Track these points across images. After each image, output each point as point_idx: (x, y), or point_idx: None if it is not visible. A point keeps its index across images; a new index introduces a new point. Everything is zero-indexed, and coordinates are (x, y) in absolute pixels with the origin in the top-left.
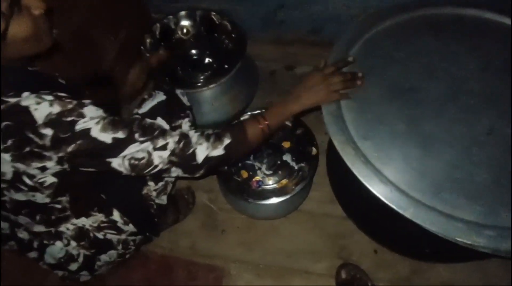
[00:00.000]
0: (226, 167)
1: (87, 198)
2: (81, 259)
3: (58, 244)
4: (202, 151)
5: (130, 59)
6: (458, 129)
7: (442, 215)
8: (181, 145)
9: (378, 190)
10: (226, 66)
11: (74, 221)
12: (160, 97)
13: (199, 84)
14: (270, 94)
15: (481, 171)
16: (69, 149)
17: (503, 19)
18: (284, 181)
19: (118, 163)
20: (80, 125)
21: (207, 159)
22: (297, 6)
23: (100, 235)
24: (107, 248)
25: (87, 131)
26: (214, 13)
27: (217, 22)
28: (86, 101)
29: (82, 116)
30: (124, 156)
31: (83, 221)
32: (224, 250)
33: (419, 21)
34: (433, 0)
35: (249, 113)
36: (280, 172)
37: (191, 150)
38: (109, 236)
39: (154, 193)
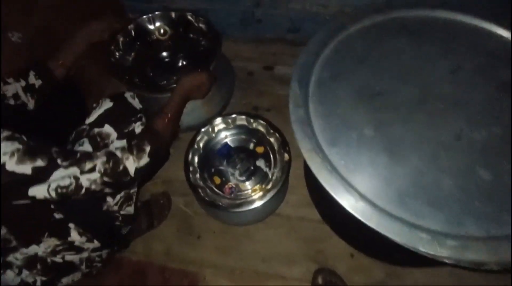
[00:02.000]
0: (197, 175)
1: (34, 225)
2: (39, 284)
3: (9, 273)
4: (131, 164)
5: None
6: (426, 134)
7: (406, 225)
8: (110, 164)
9: (343, 199)
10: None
11: (24, 250)
12: (107, 104)
13: (171, 86)
14: (248, 95)
15: (447, 177)
16: None
17: (475, 21)
18: (257, 187)
19: (43, 193)
20: None
21: (138, 171)
22: (274, 5)
23: (57, 259)
24: (68, 270)
25: (2, 166)
26: (190, 14)
27: (194, 23)
28: (2, 135)
29: None
30: (49, 185)
31: (34, 249)
32: (199, 255)
33: (392, 22)
34: (406, 2)
35: (220, 118)
36: (253, 178)
37: (121, 167)
38: (68, 257)
39: (116, 207)
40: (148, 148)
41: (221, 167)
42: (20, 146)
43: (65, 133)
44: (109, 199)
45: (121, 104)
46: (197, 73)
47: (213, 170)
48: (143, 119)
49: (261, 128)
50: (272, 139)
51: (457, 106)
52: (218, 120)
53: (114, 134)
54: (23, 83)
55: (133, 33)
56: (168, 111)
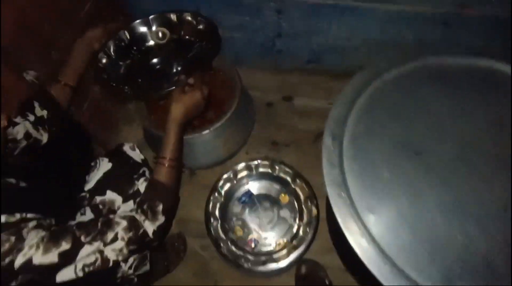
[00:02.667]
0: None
1: None
2: None
3: None
4: (149, 227)
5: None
6: (470, 202)
7: None
8: (133, 230)
9: (381, 274)
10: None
11: None
12: (105, 165)
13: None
14: (267, 129)
15: (498, 257)
16: (13, 284)
17: None
18: (282, 242)
19: (70, 276)
20: (19, 260)
21: (156, 232)
22: (296, 36)
23: None
24: None
25: (28, 262)
26: (189, 14)
27: (194, 24)
28: (29, 226)
29: (20, 250)
30: (75, 266)
31: None
32: None
33: (428, 70)
34: (441, 49)
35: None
36: (277, 229)
37: (141, 231)
38: None
39: (131, 271)
40: (160, 207)
41: (243, 217)
42: (44, 233)
43: (80, 162)
44: (122, 264)
45: (121, 163)
46: (187, 95)
47: (234, 219)
48: (147, 173)
49: (286, 176)
50: (298, 189)
51: (503, 168)
52: (241, 166)
53: (119, 199)
54: (31, 117)
55: (127, 37)
56: (167, 155)
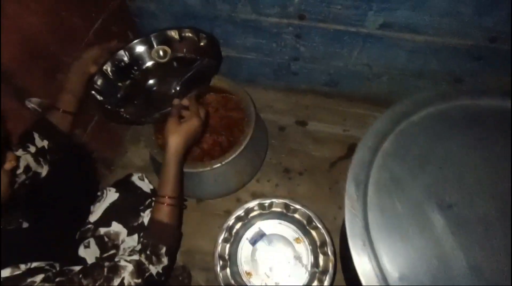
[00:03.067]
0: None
1: None
2: None
3: None
4: (154, 270)
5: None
6: (505, 266)
7: None
8: (139, 275)
9: None
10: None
11: None
12: (112, 196)
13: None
14: (279, 155)
15: None
16: None
17: None
18: None
19: None
20: None
21: (161, 274)
22: (314, 60)
23: None
24: None
25: None
26: (190, 30)
27: (196, 41)
28: (37, 281)
29: None
30: None
31: None
32: None
33: (459, 112)
34: (474, 89)
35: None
36: (290, 276)
37: (147, 274)
38: None
39: None
40: (164, 250)
41: (254, 259)
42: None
43: (84, 193)
44: None
45: (128, 193)
46: (183, 125)
47: (244, 261)
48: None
49: (301, 218)
50: (313, 232)
51: None
52: (253, 204)
53: (124, 232)
54: (33, 149)
55: (127, 57)
56: (167, 192)
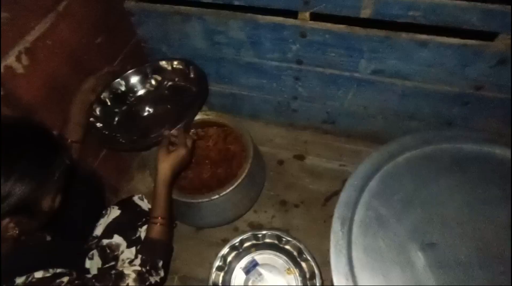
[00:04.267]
0: None
1: None
2: None
3: None
4: (152, 280)
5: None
6: None
7: None
8: (141, 282)
9: None
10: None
11: None
12: (115, 212)
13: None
14: (277, 187)
15: None
16: None
17: None
18: None
19: None
20: None
21: (158, 283)
22: (311, 100)
23: None
24: None
25: None
26: (181, 62)
27: (186, 72)
28: (64, 281)
29: None
30: None
31: None
32: None
33: (443, 155)
34: (458, 134)
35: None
36: None
37: (147, 283)
38: None
39: None
40: (161, 264)
41: None
42: None
43: (91, 214)
44: None
45: (129, 211)
46: (172, 154)
47: None
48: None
49: (292, 250)
50: (304, 265)
51: None
52: (248, 235)
53: (123, 244)
54: None
55: (123, 85)
56: (159, 214)
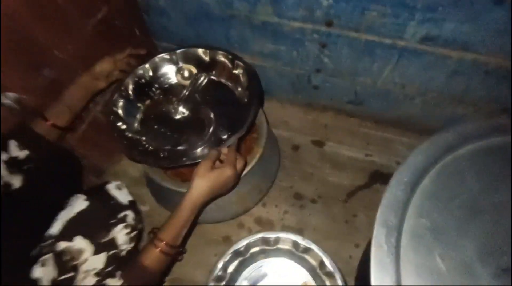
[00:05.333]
0: None
1: None
2: None
3: None
4: None
5: None
6: None
7: None
8: None
9: None
10: (227, 133)
11: None
12: (80, 204)
13: (195, 152)
14: (291, 177)
15: None
16: None
17: None
18: None
19: None
20: None
21: None
22: (338, 74)
23: None
24: None
25: None
26: (225, 54)
27: (229, 67)
28: None
29: None
30: None
31: None
32: None
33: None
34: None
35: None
36: None
37: None
38: None
39: None
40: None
41: None
42: None
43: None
44: None
45: (99, 202)
46: (216, 171)
47: None
48: (129, 219)
49: (312, 260)
50: (326, 280)
51: None
52: (256, 238)
53: (88, 250)
54: (4, 156)
55: (149, 73)
56: (166, 238)
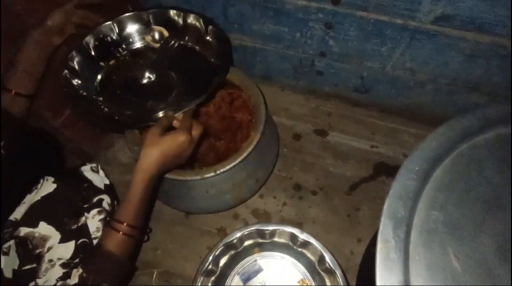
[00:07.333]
0: None
1: None
2: None
3: None
4: None
5: None
6: None
7: None
8: None
9: None
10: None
11: None
12: (47, 187)
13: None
14: (290, 167)
15: None
16: None
17: None
18: None
19: None
20: None
21: None
22: (344, 58)
23: None
24: None
25: None
26: (197, 17)
27: (202, 32)
28: None
29: None
30: None
31: None
32: None
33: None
34: None
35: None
36: None
37: None
38: None
39: None
40: (80, 271)
41: None
42: None
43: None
44: None
45: (69, 186)
46: (166, 137)
47: None
48: (105, 204)
49: (310, 255)
50: (326, 278)
51: None
52: (250, 230)
53: (55, 236)
54: None
55: (115, 32)
56: (125, 218)
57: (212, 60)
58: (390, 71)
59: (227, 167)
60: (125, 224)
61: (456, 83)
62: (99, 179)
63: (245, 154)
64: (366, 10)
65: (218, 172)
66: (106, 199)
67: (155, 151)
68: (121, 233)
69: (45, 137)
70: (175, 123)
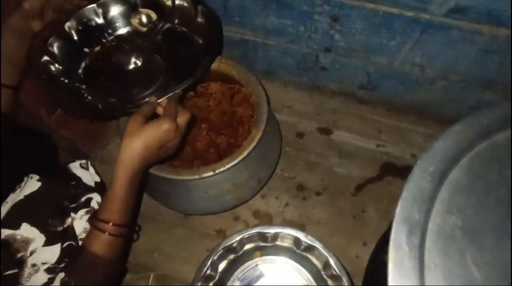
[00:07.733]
0: None
1: None
2: None
3: None
4: None
5: None
6: None
7: None
8: None
9: None
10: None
11: None
12: (31, 185)
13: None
14: (293, 167)
15: None
16: None
17: None
18: None
19: None
20: None
21: None
22: (350, 53)
23: None
24: None
25: None
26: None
27: (192, 14)
28: None
29: None
30: None
31: None
32: None
33: None
34: None
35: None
36: None
37: None
38: None
39: None
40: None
41: None
42: None
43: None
44: None
45: (55, 184)
46: (149, 126)
47: None
48: (94, 203)
49: (315, 260)
50: (331, 283)
51: None
52: (251, 233)
53: (38, 239)
54: None
55: (99, 16)
56: (109, 217)
57: (201, 42)
58: (398, 67)
59: (227, 166)
60: (110, 223)
61: (468, 80)
62: (89, 177)
63: (245, 153)
64: (375, 2)
65: (217, 171)
66: (96, 198)
67: (136, 142)
68: (106, 233)
69: (35, 133)
70: (159, 110)
